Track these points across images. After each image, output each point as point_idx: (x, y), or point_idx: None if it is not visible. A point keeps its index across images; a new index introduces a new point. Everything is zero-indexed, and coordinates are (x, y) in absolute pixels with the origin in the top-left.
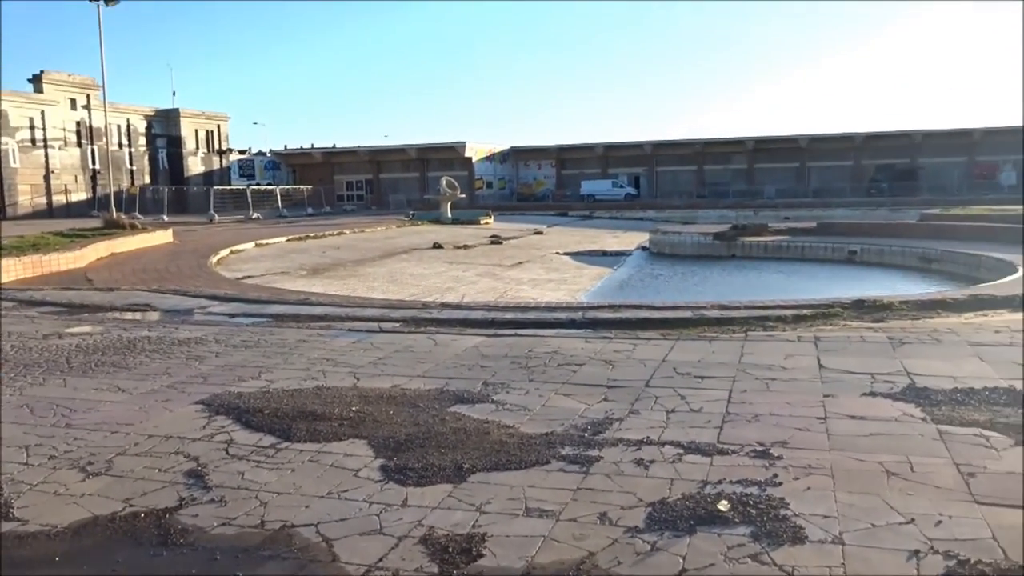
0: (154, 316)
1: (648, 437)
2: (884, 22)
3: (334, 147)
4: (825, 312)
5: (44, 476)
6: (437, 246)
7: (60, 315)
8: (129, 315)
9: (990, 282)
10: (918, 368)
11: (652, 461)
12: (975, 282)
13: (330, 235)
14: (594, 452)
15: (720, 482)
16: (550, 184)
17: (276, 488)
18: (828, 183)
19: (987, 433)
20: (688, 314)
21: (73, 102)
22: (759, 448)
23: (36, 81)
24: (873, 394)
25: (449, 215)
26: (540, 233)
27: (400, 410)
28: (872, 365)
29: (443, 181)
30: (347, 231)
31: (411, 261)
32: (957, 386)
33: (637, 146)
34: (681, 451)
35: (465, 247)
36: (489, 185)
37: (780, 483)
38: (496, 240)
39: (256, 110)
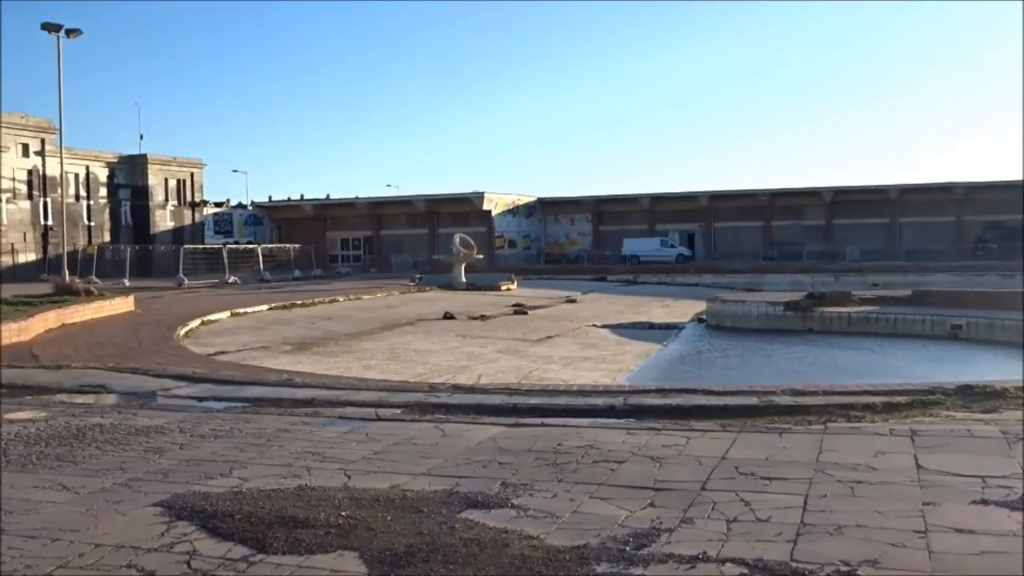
0: (109, 399)
1: (704, 553)
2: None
3: (327, 198)
4: (923, 400)
5: None
6: (448, 316)
7: None
8: (79, 398)
9: None
10: None
11: None
12: None
13: (320, 303)
14: (638, 571)
15: None
16: (585, 243)
17: None
18: (924, 243)
19: None
20: (754, 400)
21: (25, 147)
22: (843, 569)
23: None
24: (985, 502)
25: (463, 279)
26: (573, 301)
27: (400, 516)
28: (983, 466)
29: (456, 239)
30: (341, 298)
31: (417, 334)
32: None
33: (690, 197)
34: (746, 570)
35: (482, 318)
36: (512, 244)
37: None
38: (520, 309)
39: (236, 156)
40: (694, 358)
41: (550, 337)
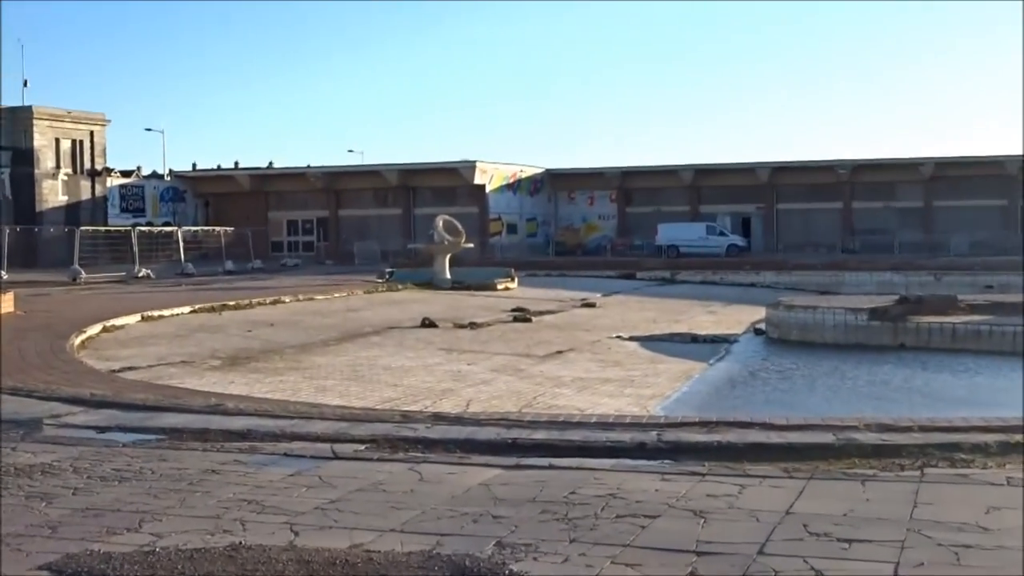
0: None
1: None
2: None
3: (269, 167)
4: None
5: None
6: (428, 324)
7: None
8: None
9: None
10: None
11: None
12: None
13: (260, 304)
14: None
15: None
16: (608, 229)
17: None
18: None
19: None
20: (828, 438)
21: None
22: None
23: None
24: None
25: (447, 275)
26: (592, 306)
27: None
28: None
29: (439, 222)
30: (287, 298)
31: (386, 347)
32: None
33: (746, 170)
34: None
35: (472, 326)
36: (512, 229)
37: None
38: (522, 315)
39: (150, 111)
40: (750, 381)
41: (561, 352)
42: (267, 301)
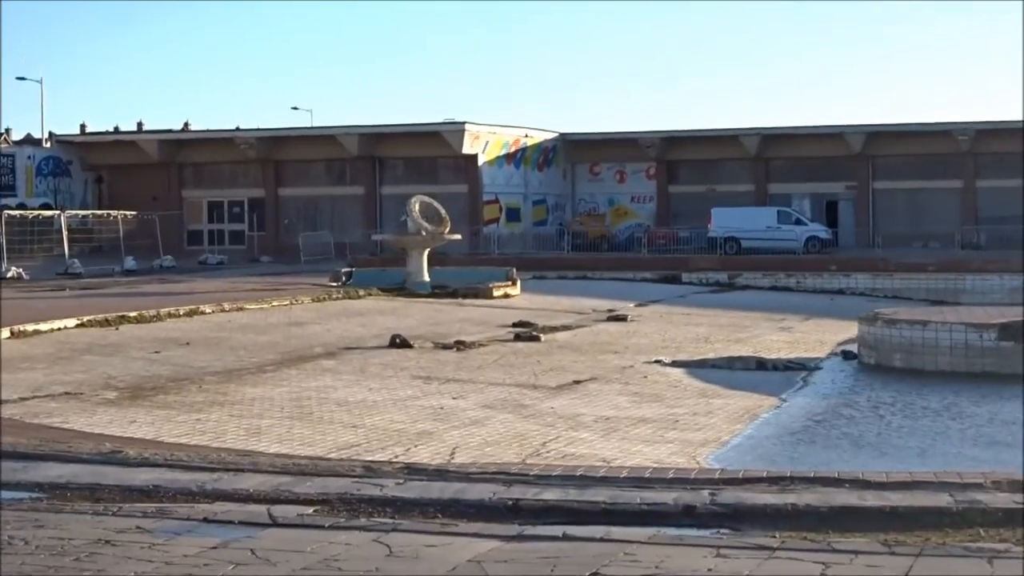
0: None
1: None
2: None
3: (184, 130)
4: None
5: None
6: (400, 343)
7: None
8: None
9: None
10: None
11: None
12: None
13: (172, 316)
14: None
15: None
16: (644, 214)
17: None
18: None
19: None
20: (943, 500)
21: None
22: None
23: None
24: None
25: (425, 277)
26: (622, 319)
27: None
28: None
29: (414, 205)
30: (208, 308)
31: (343, 374)
32: None
33: (831, 136)
34: None
35: (459, 346)
36: (513, 215)
37: None
38: (527, 332)
39: (24, 55)
40: (836, 423)
41: (579, 382)
42: (181, 312)
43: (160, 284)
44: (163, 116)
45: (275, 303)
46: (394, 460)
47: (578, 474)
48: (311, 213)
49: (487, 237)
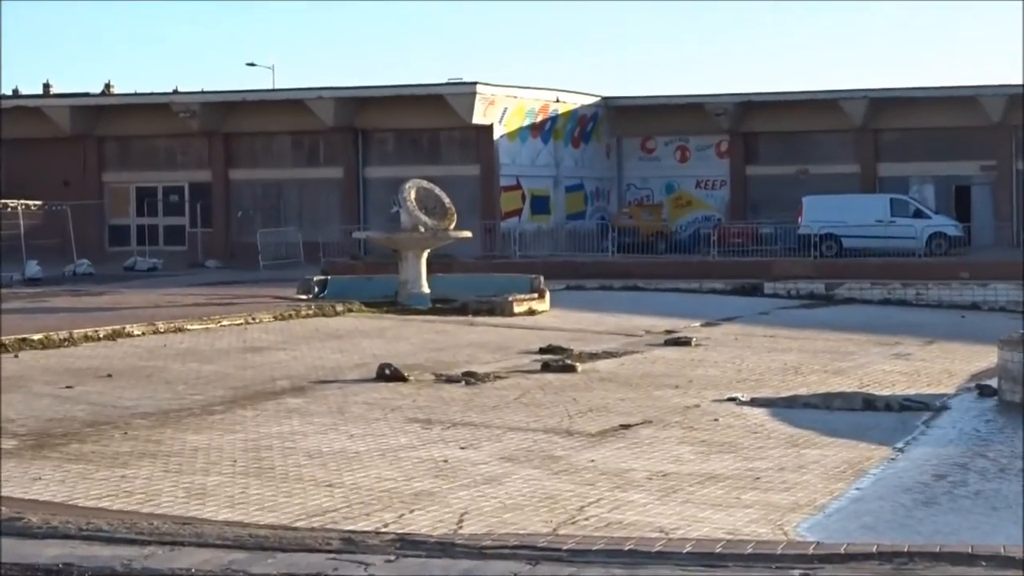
0: None
1: None
2: None
3: (106, 93)
4: None
5: None
6: (391, 374)
7: None
8: None
9: None
10: None
11: None
12: None
13: (90, 339)
14: None
15: None
16: (714, 203)
17: None
18: None
19: None
20: None
21: None
22: None
23: None
24: None
25: (424, 287)
26: (685, 343)
27: None
28: None
29: (409, 193)
30: (137, 329)
31: (315, 416)
32: None
33: (962, 100)
34: None
35: (469, 379)
36: (540, 205)
37: None
38: (559, 360)
39: None
40: (968, 479)
41: (628, 427)
42: (101, 333)
43: (73, 297)
44: (77, 76)
45: (225, 322)
46: (383, 530)
47: (627, 548)
48: (273, 203)
49: (506, 235)
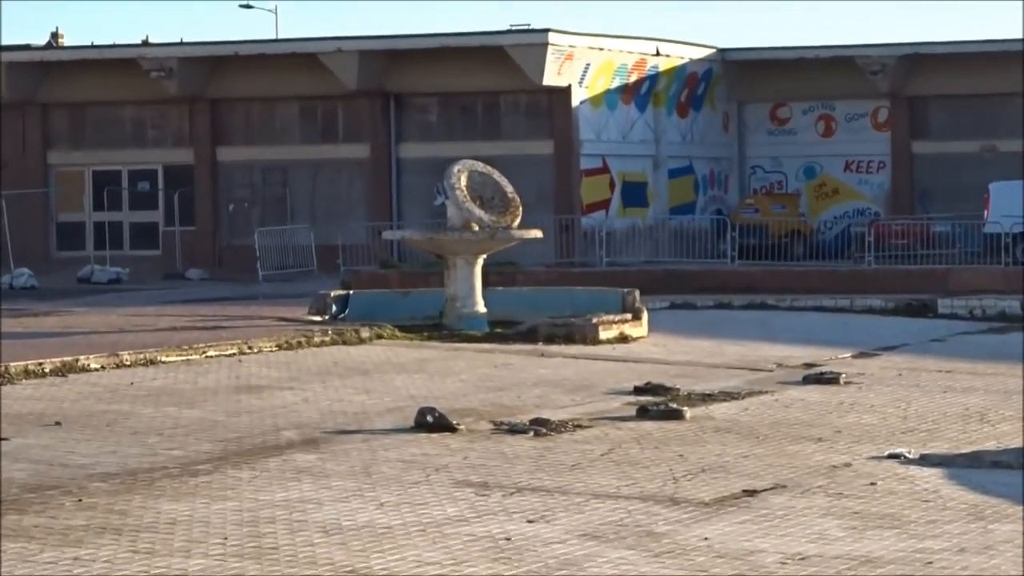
0: None
1: None
2: None
3: (53, 46)
4: None
5: None
6: (432, 422)
7: None
8: None
9: None
10: None
11: None
12: None
13: (32, 375)
14: None
15: None
16: (871, 192)
17: None
18: None
19: None
20: None
21: None
22: None
23: None
24: None
25: (478, 306)
26: (829, 380)
27: None
28: None
29: (459, 178)
30: (94, 361)
31: (333, 478)
32: None
33: None
34: None
35: (538, 428)
36: (634, 194)
37: None
38: (659, 403)
39: None
40: None
41: (753, 493)
42: (47, 367)
43: (10, 319)
44: (14, 24)
45: (213, 352)
46: None
47: None
48: (276, 193)
49: (589, 235)
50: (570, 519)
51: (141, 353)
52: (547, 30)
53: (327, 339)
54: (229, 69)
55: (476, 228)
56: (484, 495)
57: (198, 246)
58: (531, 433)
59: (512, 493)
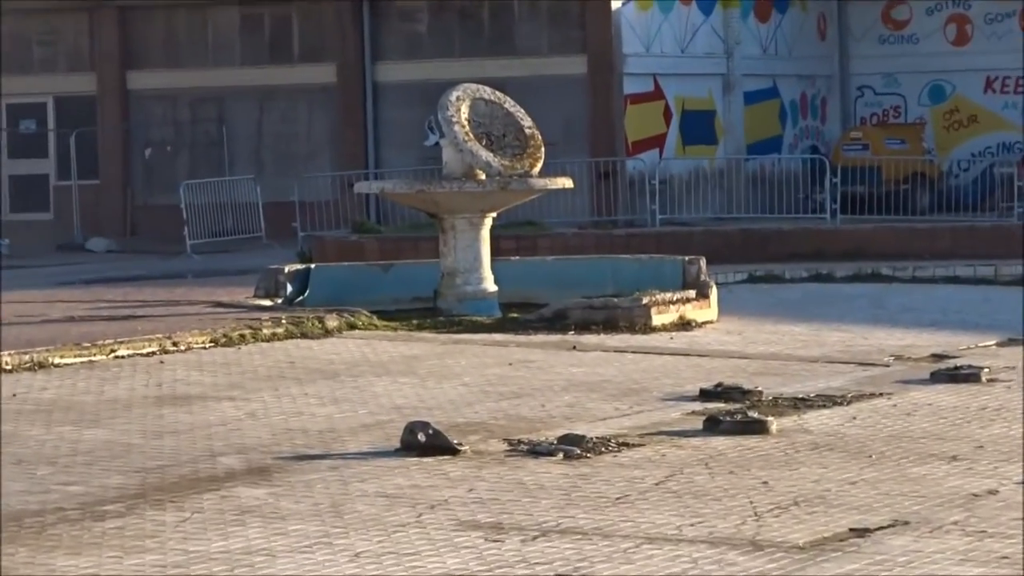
0: None
1: None
2: None
3: None
4: None
5: None
6: (426, 441)
7: None
8: None
9: None
10: None
11: None
12: None
13: None
14: None
15: None
16: (1021, 117)
17: None
18: None
19: None
20: None
21: None
22: None
23: None
24: None
25: (487, 282)
26: (966, 376)
27: None
28: None
29: (457, 109)
30: None
31: (291, 520)
32: None
33: None
34: None
35: (569, 449)
36: (697, 126)
37: None
38: (734, 412)
39: None
40: None
41: (865, 532)
42: None
43: None
44: None
45: (124, 351)
46: None
47: None
48: (210, 133)
49: (636, 183)
50: (615, 572)
51: (26, 353)
52: None
53: (280, 331)
54: None
55: (482, 177)
56: (497, 541)
57: (103, 207)
58: (560, 455)
59: (535, 538)
